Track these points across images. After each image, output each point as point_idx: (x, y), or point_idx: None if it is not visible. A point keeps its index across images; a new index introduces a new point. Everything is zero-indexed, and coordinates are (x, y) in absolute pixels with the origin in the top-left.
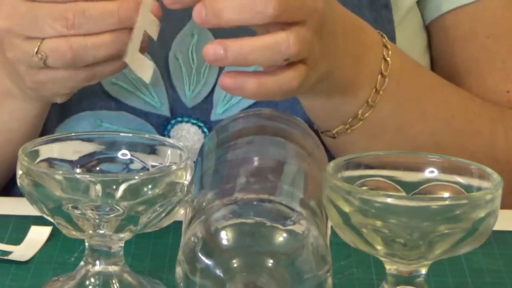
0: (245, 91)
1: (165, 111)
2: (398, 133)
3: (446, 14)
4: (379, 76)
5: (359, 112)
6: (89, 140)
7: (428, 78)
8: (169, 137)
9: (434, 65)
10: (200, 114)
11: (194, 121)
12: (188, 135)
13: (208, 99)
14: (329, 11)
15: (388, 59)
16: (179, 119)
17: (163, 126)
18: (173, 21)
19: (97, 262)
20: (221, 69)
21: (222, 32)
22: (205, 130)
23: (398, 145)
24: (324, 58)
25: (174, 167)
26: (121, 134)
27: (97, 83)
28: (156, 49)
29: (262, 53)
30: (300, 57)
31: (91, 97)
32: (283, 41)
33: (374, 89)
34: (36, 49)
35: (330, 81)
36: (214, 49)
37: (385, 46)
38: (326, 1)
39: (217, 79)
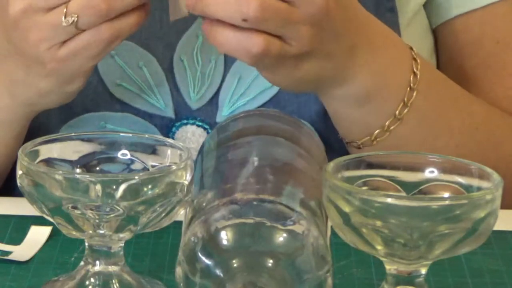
0: (210, 37)
1: (170, 113)
2: (423, 146)
3: (455, 18)
4: (408, 89)
5: (386, 124)
6: (89, 140)
7: (453, 90)
8: (173, 139)
9: (441, 69)
10: (205, 116)
11: (199, 123)
12: (193, 137)
13: (213, 101)
14: (342, 13)
15: (417, 72)
16: (184, 121)
17: (167, 128)
18: (178, 23)
19: (97, 262)
20: (226, 71)
21: None
22: (210, 132)
23: None
24: (328, 58)
25: (174, 167)
26: (121, 134)
27: (101, 84)
28: (161, 50)
29: (223, 8)
30: (264, 26)
31: (95, 98)
32: (244, 1)
33: (402, 102)
34: (63, 15)
35: (352, 89)
36: None
37: (414, 59)
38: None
39: (222, 81)
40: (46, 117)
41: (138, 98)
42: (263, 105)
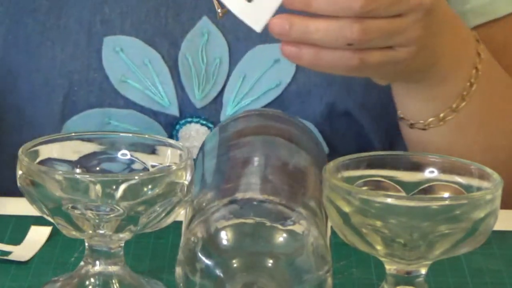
0: (302, 59)
1: (174, 111)
2: (481, 129)
3: (479, 27)
4: (474, 70)
5: (454, 104)
6: (89, 140)
7: (505, 76)
8: (177, 137)
9: None
10: (209, 114)
11: (203, 122)
12: (197, 136)
13: (218, 100)
14: (436, 4)
15: (481, 53)
16: (188, 119)
17: (171, 125)
18: (183, 20)
19: (97, 262)
20: (230, 70)
21: (232, 34)
22: None
23: (478, 142)
24: (427, 49)
25: (174, 167)
26: (121, 134)
27: (106, 80)
28: (166, 48)
29: (326, 34)
30: (367, 45)
31: (100, 94)
32: (346, 27)
33: (469, 82)
34: None
35: (432, 72)
36: (280, 23)
37: (477, 40)
38: None
39: (227, 80)
40: (49, 112)
41: (142, 95)
42: (267, 105)
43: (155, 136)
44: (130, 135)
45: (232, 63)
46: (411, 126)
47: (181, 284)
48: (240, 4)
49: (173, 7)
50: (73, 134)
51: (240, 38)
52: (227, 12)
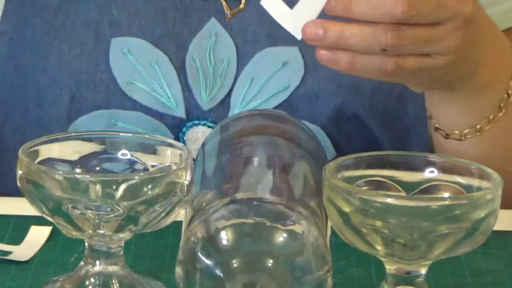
0: (338, 64)
1: (181, 113)
2: None
3: (507, 31)
4: (511, 80)
5: (491, 115)
6: (89, 140)
7: None
8: (184, 139)
9: None
10: (217, 117)
11: (210, 124)
12: (203, 138)
13: (225, 102)
14: (476, 13)
15: None
16: (195, 121)
17: (178, 128)
18: (191, 22)
19: (97, 262)
20: (238, 72)
21: (240, 36)
22: None
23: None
24: (466, 58)
25: (174, 167)
26: (121, 134)
27: (113, 82)
28: (174, 50)
29: (361, 40)
30: (401, 51)
31: (106, 95)
32: (381, 33)
33: (506, 93)
34: None
35: (471, 82)
36: (314, 28)
37: None
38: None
39: (234, 82)
40: (55, 113)
41: (149, 96)
42: (275, 108)
43: (155, 136)
44: (130, 135)
45: (240, 65)
46: (447, 136)
47: (181, 284)
48: (282, 11)
49: (181, 9)
50: (73, 134)
51: (248, 40)
52: (236, 14)
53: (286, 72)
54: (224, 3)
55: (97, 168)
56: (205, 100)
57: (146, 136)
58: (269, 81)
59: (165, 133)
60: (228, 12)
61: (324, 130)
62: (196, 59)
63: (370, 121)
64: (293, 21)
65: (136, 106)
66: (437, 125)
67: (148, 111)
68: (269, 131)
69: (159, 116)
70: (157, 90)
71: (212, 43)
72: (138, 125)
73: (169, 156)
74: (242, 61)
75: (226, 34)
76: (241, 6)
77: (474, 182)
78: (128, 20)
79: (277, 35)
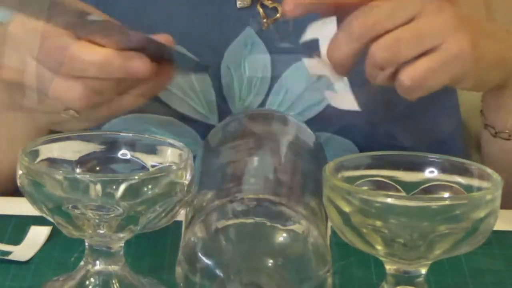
0: (371, 78)
1: (214, 121)
2: None
3: None
4: None
5: None
6: (89, 140)
7: None
8: None
9: None
10: None
11: None
12: None
13: None
14: None
15: None
16: None
17: None
18: (227, 30)
19: (97, 262)
20: (272, 83)
21: (275, 44)
22: None
23: None
24: (483, 38)
25: (174, 167)
26: (121, 134)
27: None
28: (208, 58)
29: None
30: (400, 59)
31: None
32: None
33: None
34: None
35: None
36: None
37: None
38: None
39: (269, 90)
40: None
41: (183, 103)
42: (308, 121)
43: (155, 136)
44: (130, 134)
45: (275, 76)
46: (495, 134)
47: (181, 284)
48: (329, 95)
49: (217, 17)
50: (73, 134)
51: (284, 50)
52: (273, 23)
53: (321, 85)
54: (261, 12)
55: (97, 168)
56: (239, 109)
57: (146, 136)
58: (303, 93)
59: (197, 140)
60: (264, 21)
61: (357, 145)
62: (231, 67)
63: (403, 137)
64: (343, 101)
65: (170, 112)
66: (487, 122)
67: (182, 117)
68: (270, 131)
69: (193, 123)
70: (191, 96)
71: (247, 51)
72: (170, 132)
73: (169, 156)
74: (276, 71)
75: (262, 44)
76: (278, 15)
77: (474, 182)
78: (165, 26)
79: (313, 47)
